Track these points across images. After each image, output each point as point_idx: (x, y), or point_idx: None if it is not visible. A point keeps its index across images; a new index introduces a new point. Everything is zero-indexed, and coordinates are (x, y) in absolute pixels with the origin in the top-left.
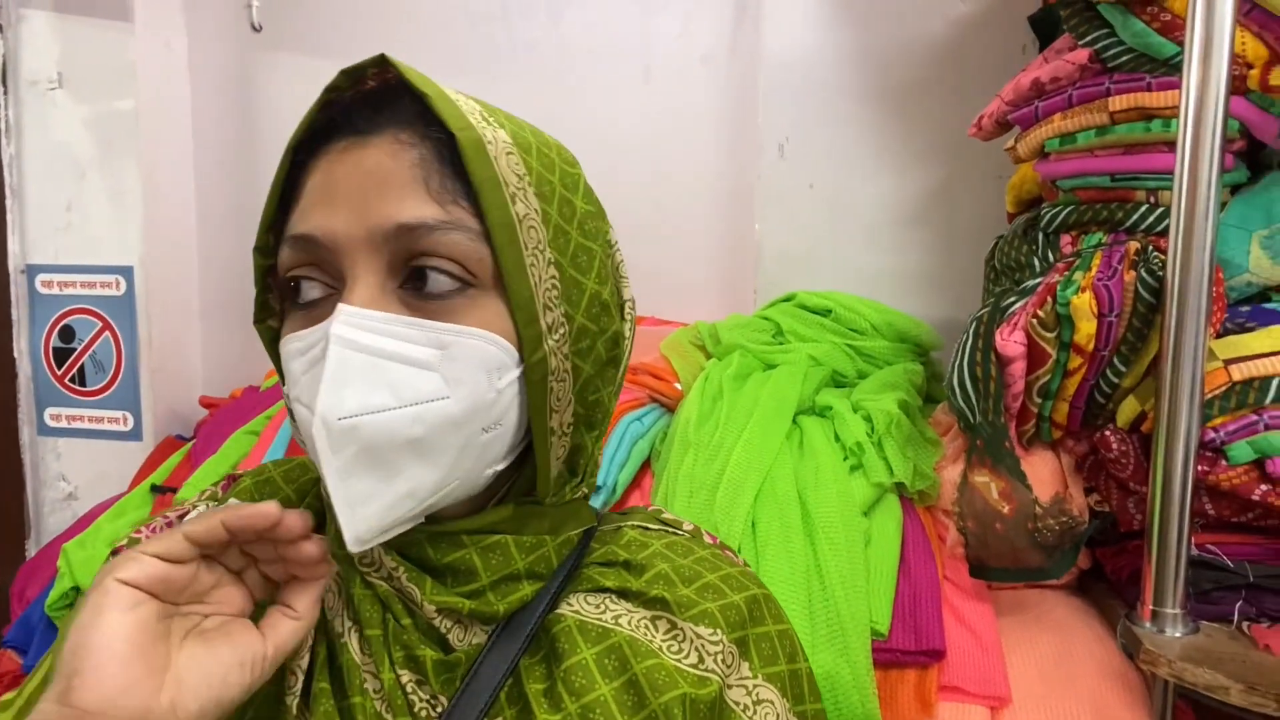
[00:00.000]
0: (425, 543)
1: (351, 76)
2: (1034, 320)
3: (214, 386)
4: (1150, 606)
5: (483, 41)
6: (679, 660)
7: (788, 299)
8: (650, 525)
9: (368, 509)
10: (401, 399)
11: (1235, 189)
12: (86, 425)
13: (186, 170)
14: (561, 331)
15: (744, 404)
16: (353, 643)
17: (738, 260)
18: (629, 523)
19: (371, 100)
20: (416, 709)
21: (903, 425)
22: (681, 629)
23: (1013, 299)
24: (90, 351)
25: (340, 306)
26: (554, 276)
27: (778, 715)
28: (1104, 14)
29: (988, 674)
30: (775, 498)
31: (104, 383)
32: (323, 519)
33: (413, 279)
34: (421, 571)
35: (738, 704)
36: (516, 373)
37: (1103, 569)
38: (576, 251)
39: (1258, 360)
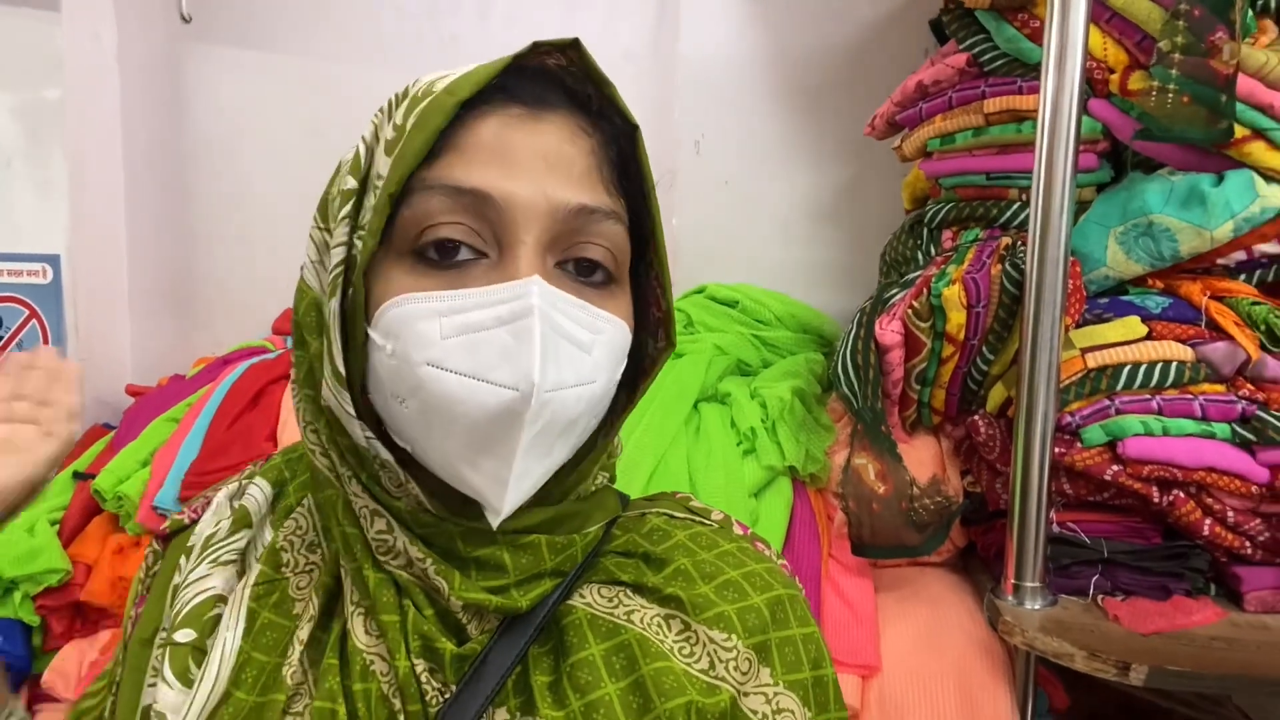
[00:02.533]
0: (457, 537)
1: (538, 47)
2: (910, 311)
3: (144, 375)
4: (1012, 581)
5: (409, 35)
6: (689, 664)
7: (699, 291)
8: (677, 514)
9: (524, 485)
10: (575, 378)
11: (1101, 188)
12: None
13: (115, 160)
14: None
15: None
16: (357, 627)
17: None
18: (655, 510)
19: (547, 78)
20: (428, 697)
21: (796, 411)
22: (695, 631)
23: (894, 291)
24: (17, 340)
25: (536, 279)
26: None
27: None
28: (981, 20)
29: (860, 645)
30: (667, 479)
31: None
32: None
33: (572, 261)
34: (448, 564)
35: (755, 712)
36: (623, 364)
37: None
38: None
39: (1111, 349)
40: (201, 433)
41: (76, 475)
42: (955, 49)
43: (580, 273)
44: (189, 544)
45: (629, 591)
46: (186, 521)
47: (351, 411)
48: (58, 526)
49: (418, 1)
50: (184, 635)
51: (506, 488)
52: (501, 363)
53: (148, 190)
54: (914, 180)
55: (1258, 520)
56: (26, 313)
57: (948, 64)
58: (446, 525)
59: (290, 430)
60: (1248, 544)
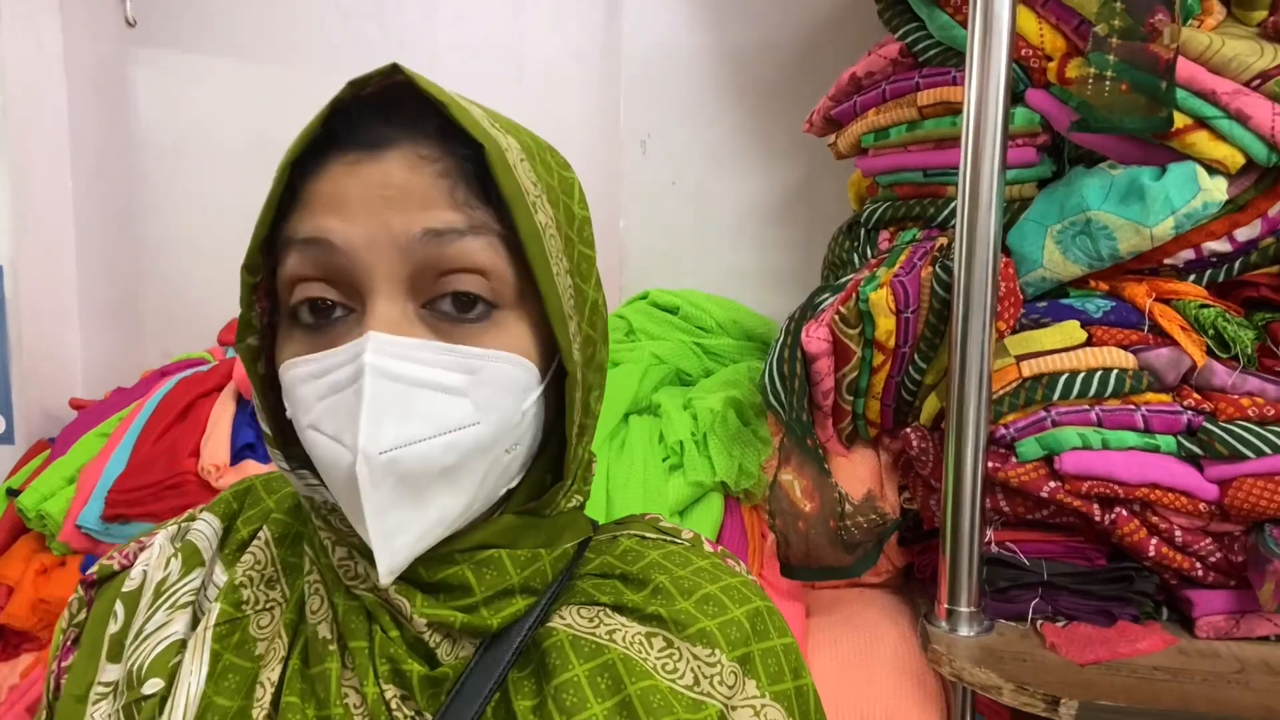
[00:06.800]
0: (417, 564)
1: (356, 86)
2: (836, 316)
3: (95, 389)
4: (945, 605)
5: (355, 37)
6: (674, 681)
7: (642, 297)
8: (648, 534)
9: (400, 540)
10: (436, 428)
11: (1044, 185)
12: None
13: (62, 168)
14: (579, 340)
15: None
16: (338, 653)
17: (602, 259)
18: (625, 532)
19: (378, 110)
20: None
21: (730, 422)
22: (678, 648)
23: (825, 295)
24: None
25: (371, 334)
26: (569, 286)
27: None
28: (914, 7)
29: None
30: None
31: None
32: (297, 536)
33: (437, 301)
34: (412, 586)
35: None
36: (538, 392)
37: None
38: (579, 259)
39: (1048, 356)
40: (129, 448)
41: (10, 492)
42: (892, 39)
43: (459, 309)
44: (124, 590)
45: (609, 611)
46: (116, 567)
47: (285, 467)
48: None
49: (363, 3)
50: (152, 686)
51: (374, 544)
52: (349, 423)
53: (98, 200)
54: (858, 179)
55: (1208, 540)
56: None
57: (881, 54)
58: None
59: (213, 444)
60: (1198, 565)
